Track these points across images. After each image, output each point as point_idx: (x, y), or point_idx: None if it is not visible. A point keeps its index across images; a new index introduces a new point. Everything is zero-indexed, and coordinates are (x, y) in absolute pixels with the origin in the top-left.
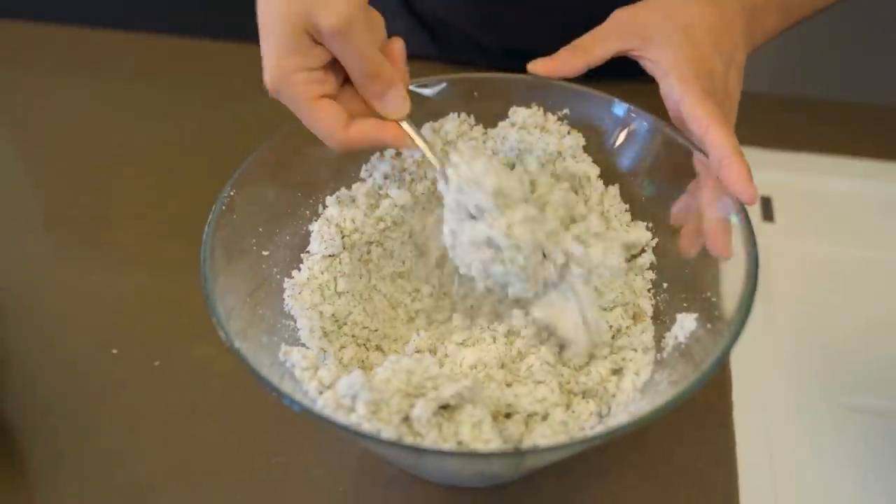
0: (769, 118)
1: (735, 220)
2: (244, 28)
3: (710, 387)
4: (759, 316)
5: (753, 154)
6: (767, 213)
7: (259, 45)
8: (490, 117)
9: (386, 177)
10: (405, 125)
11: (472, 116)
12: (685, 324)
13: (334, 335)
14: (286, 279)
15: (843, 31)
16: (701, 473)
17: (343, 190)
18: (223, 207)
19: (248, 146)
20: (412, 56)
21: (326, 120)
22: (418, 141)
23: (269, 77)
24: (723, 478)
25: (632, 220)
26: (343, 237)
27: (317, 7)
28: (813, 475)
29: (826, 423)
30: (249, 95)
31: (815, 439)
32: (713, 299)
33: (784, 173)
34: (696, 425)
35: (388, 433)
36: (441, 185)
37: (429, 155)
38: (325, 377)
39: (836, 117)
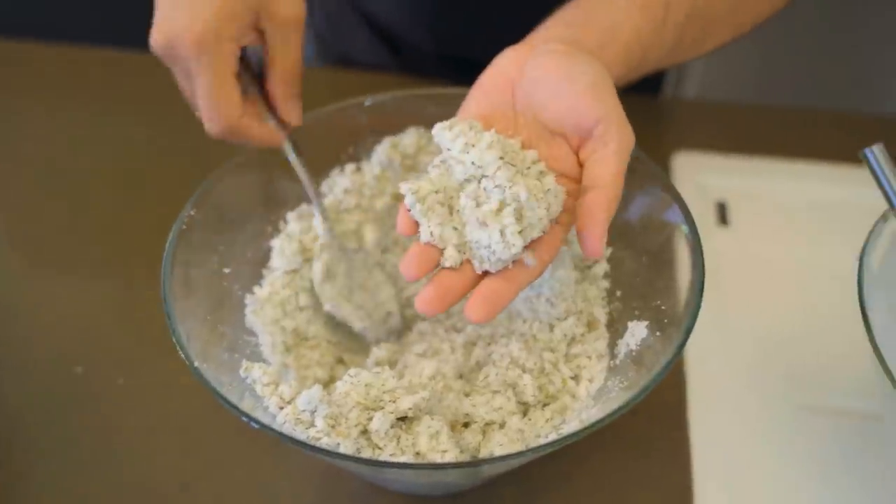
0: (723, 124)
1: (684, 229)
2: None
3: (665, 390)
4: (713, 318)
5: (708, 159)
6: (722, 217)
7: None
8: None
9: (346, 192)
10: (289, 147)
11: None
12: (636, 332)
13: (297, 350)
14: (248, 295)
15: (794, 40)
16: (657, 476)
17: (304, 206)
18: (183, 227)
19: (216, 161)
20: (373, 69)
21: (233, 99)
22: (298, 168)
23: (198, 30)
24: (679, 480)
25: None
26: (305, 252)
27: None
28: (768, 476)
29: (781, 423)
30: None
31: (771, 440)
32: (663, 307)
33: (738, 178)
34: (653, 429)
35: (346, 446)
36: (317, 221)
37: (303, 177)
38: (285, 392)
39: (789, 123)
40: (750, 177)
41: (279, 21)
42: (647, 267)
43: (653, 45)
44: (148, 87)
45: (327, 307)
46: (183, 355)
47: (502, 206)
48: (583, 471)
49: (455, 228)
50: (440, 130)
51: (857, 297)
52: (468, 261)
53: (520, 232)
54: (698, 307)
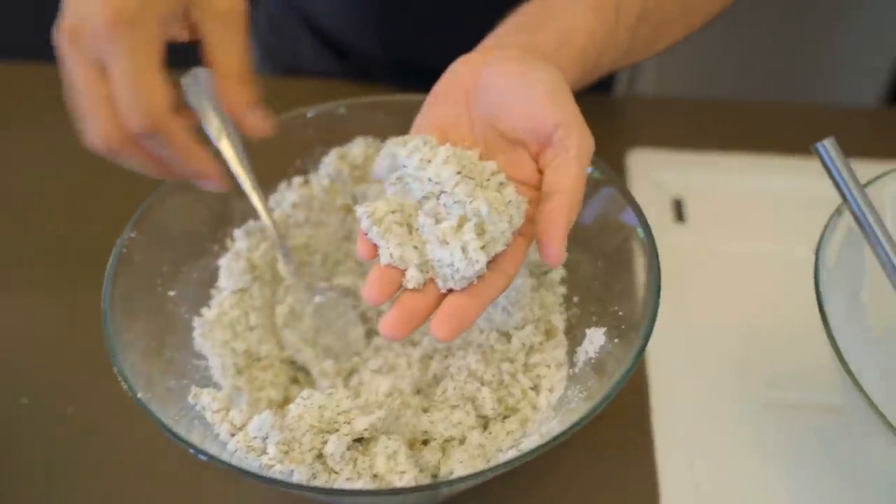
0: (677, 120)
1: (640, 233)
2: None
3: (627, 394)
4: (673, 318)
5: (663, 156)
6: (679, 214)
7: None
8: None
9: (295, 206)
10: (234, 159)
11: (379, 140)
12: (594, 339)
13: (249, 371)
14: (195, 318)
15: (741, 34)
16: (622, 482)
17: (251, 222)
18: (123, 251)
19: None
20: (320, 76)
21: (157, 87)
22: (260, 210)
23: (115, 5)
24: (644, 484)
25: None
26: (253, 270)
27: None
28: (734, 475)
29: (745, 421)
30: None
31: (735, 439)
32: (620, 313)
33: (694, 173)
34: (616, 434)
35: (300, 473)
36: (280, 265)
37: (265, 219)
38: (236, 418)
39: (742, 117)
40: (706, 172)
41: (213, 12)
42: (603, 271)
43: (607, 48)
44: None
45: (288, 352)
46: (126, 387)
47: (463, 221)
48: (547, 480)
49: (415, 248)
50: (394, 147)
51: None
52: (431, 280)
53: (482, 247)
54: (655, 313)
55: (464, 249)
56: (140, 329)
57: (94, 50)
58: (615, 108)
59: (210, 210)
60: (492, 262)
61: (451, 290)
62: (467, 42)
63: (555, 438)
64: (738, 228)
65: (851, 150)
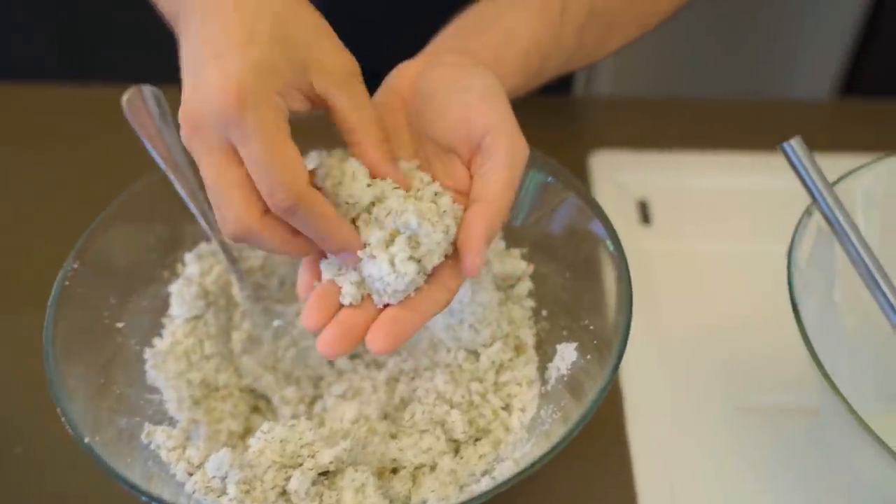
0: (638, 120)
1: (610, 246)
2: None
3: (602, 403)
4: (644, 324)
5: (626, 157)
6: (645, 216)
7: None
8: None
9: None
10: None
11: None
12: (566, 354)
13: (206, 403)
14: (147, 349)
15: (693, 31)
16: (600, 492)
17: (203, 245)
18: (66, 283)
19: (108, 199)
20: None
21: (297, 161)
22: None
23: (234, 83)
24: (623, 492)
25: (507, 247)
26: (206, 295)
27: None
28: (711, 481)
29: (721, 426)
30: (108, 141)
31: (712, 444)
32: (591, 327)
33: (658, 174)
34: (592, 443)
35: None
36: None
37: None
38: (193, 456)
39: (704, 115)
40: (670, 172)
41: (337, 74)
42: (572, 282)
43: (552, 51)
44: (39, 122)
45: (247, 380)
46: (71, 431)
47: (395, 234)
48: (523, 496)
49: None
50: (314, 166)
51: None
52: (370, 296)
53: (418, 260)
54: (628, 330)
55: (391, 262)
56: (87, 366)
57: (221, 135)
58: (575, 110)
59: (157, 235)
60: (431, 276)
61: (387, 305)
62: (418, 47)
63: (531, 465)
64: (706, 229)
65: (816, 144)
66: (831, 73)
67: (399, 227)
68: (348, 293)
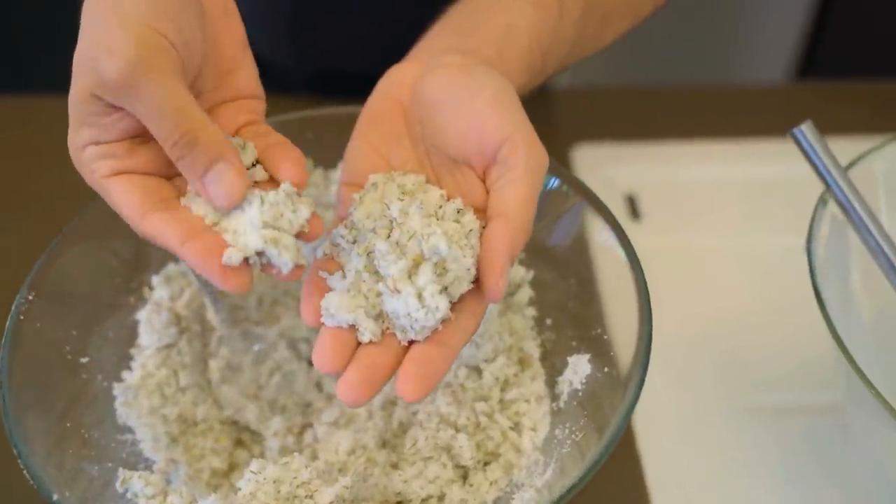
0: (619, 111)
1: (622, 253)
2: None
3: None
4: None
5: (611, 150)
6: (633, 211)
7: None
8: (331, 159)
9: None
10: None
11: (310, 160)
12: (579, 367)
13: (185, 439)
14: (115, 384)
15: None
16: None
17: (171, 265)
18: (20, 318)
19: (63, 218)
20: None
21: (121, 204)
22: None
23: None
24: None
25: None
26: (178, 321)
27: (101, 54)
28: (724, 486)
29: (728, 428)
30: (59, 155)
31: (719, 447)
32: (605, 337)
33: (644, 166)
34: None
35: None
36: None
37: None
38: None
39: (686, 103)
40: (657, 164)
41: (110, 91)
42: (578, 289)
43: (553, 46)
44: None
45: (228, 412)
46: (37, 487)
47: (418, 262)
48: None
49: (365, 296)
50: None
51: (790, 283)
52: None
53: (445, 288)
54: (650, 337)
55: (420, 296)
56: (48, 409)
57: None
58: (551, 102)
59: (120, 258)
60: (456, 303)
61: (412, 341)
62: (377, 45)
63: (567, 493)
64: (698, 222)
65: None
66: (786, 55)
67: (424, 252)
68: (367, 329)
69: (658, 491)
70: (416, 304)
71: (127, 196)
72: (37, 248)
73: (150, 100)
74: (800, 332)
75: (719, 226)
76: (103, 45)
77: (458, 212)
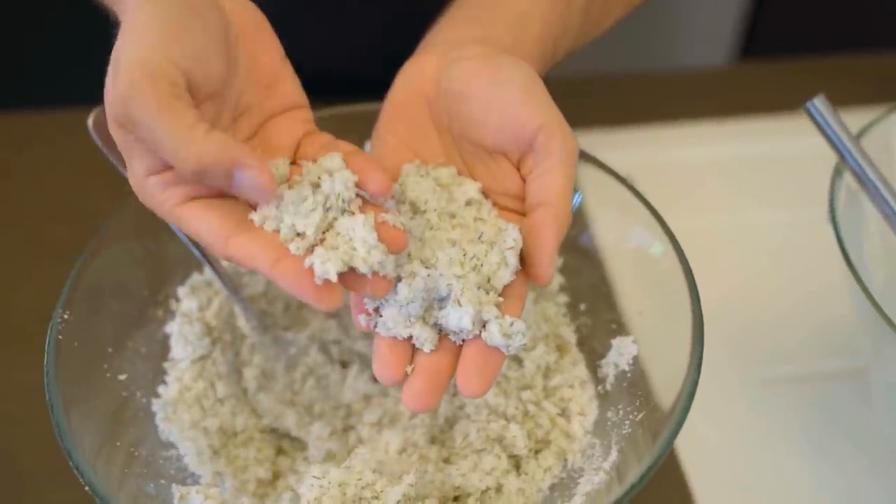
0: (603, 97)
1: (659, 249)
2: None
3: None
4: None
5: (599, 137)
6: None
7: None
8: None
9: None
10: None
11: None
12: (623, 349)
13: (227, 451)
14: (153, 400)
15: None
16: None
17: (196, 275)
18: (59, 337)
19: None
20: None
21: (200, 231)
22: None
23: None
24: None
25: None
26: (210, 332)
27: (106, 85)
28: (750, 455)
29: (745, 400)
30: (76, 169)
31: (744, 421)
32: (651, 319)
33: (637, 150)
34: None
35: None
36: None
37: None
38: None
39: (672, 86)
40: (650, 147)
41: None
42: (612, 273)
43: (562, 33)
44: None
45: (266, 420)
46: None
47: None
48: None
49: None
50: None
51: (791, 256)
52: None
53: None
54: (701, 318)
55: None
56: (100, 431)
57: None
58: None
59: (144, 268)
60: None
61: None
62: (366, 46)
63: (648, 471)
64: (695, 201)
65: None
66: (727, 37)
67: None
68: (426, 339)
69: (689, 466)
70: (470, 324)
71: (205, 223)
72: (60, 262)
73: (146, 133)
74: (808, 302)
75: (715, 204)
76: (108, 75)
77: (499, 229)
